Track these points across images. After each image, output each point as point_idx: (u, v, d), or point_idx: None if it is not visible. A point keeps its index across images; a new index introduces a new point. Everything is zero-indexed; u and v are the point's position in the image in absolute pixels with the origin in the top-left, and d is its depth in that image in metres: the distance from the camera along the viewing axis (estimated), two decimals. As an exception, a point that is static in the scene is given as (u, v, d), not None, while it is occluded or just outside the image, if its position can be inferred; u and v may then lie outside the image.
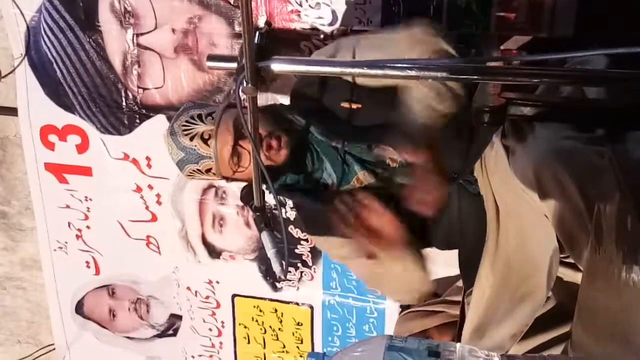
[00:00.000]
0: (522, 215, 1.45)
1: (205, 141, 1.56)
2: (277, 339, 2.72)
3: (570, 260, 1.51)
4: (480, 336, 1.57)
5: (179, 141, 1.58)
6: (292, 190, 1.66)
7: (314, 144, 1.62)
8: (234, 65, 1.23)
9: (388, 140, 1.56)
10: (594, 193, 1.21)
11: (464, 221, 1.58)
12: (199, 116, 1.58)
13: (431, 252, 1.77)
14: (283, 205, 2.22)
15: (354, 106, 1.56)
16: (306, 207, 1.75)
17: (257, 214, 1.58)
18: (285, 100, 1.95)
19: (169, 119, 2.39)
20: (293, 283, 2.58)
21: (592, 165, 1.26)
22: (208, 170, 1.61)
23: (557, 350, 1.55)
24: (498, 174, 1.48)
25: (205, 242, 2.62)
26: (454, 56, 1.50)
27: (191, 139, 1.56)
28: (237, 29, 2.18)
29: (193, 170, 1.62)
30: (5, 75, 2.49)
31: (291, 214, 2.34)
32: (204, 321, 2.77)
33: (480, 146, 1.50)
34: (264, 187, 1.52)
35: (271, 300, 2.65)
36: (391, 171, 1.60)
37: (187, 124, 1.58)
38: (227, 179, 1.64)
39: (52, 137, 2.57)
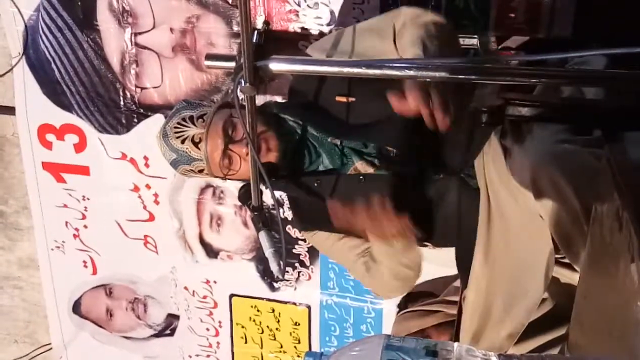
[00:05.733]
0: (519, 215, 1.45)
1: (196, 144, 1.58)
2: (275, 339, 2.72)
3: (567, 260, 1.51)
4: (477, 339, 1.57)
5: (171, 143, 1.61)
6: (287, 184, 1.66)
7: (311, 140, 1.62)
8: (232, 64, 1.23)
9: (384, 138, 1.57)
10: (590, 195, 1.21)
11: (463, 215, 1.57)
12: (190, 118, 1.60)
13: (428, 252, 1.77)
14: (281, 205, 2.21)
15: (349, 100, 1.57)
16: (300, 201, 1.75)
17: (255, 213, 1.59)
18: (282, 98, 1.95)
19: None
20: (290, 283, 2.58)
21: (588, 167, 1.26)
22: (201, 171, 1.63)
23: (555, 352, 1.56)
24: (495, 172, 1.48)
25: (202, 242, 2.62)
26: (444, 24, 1.51)
27: (182, 142, 1.59)
28: (236, 28, 2.18)
29: (186, 170, 1.65)
30: (3, 74, 2.49)
31: (289, 214, 2.34)
32: (201, 321, 2.77)
33: (482, 140, 1.50)
34: (261, 186, 1.52)
35: (269, 300, 2.65)
36: (389, 159, 1.60)
37: (178, 125, 1.60)
38: (222, 178, 1.66)
39: (50, 136, 2.56)
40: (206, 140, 1.57)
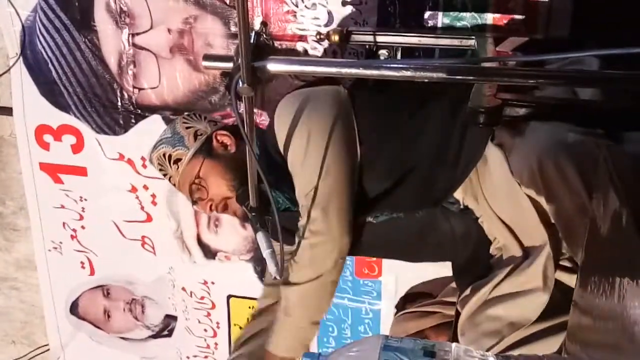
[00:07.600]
0: (523, 220, 1.45)
1: (174, 185, 1.71)
2: (273, 340, 2.72)
3: (565, 264, 1.51)
4: (480, 312, 1.56)
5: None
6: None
7: (288, 197, 1.63)
8: (230, 65, 1.22)
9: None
10: (595, 185, 1.21)
11: (457, 237, 1.59)
12: (169, 157, 1.67)
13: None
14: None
15: None
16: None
17: (253, 214, 1.59)
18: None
19: (165, 119, 2.40)
20: (288, 284, 2.57)
21: (593, 156, 1.27)
22: None
23: (552, 340, 1.55)
24: (495, 189, 1.47)
25: (200, 243, 2.62)
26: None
27: (164, 176, 1.72)
28: (233, 29, 2.18)
29: None
30: (1, 75, 2.48)
31: (287, 215, 2.34)
32: (199, 322, 2.77)
33: (465, 168, 1.49)
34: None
35: (266, 301, 2.64)
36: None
37: (160, 159, 1.69)
38: None
39: (47, 137, 2.56)
40: (180, 190, 1.71)
